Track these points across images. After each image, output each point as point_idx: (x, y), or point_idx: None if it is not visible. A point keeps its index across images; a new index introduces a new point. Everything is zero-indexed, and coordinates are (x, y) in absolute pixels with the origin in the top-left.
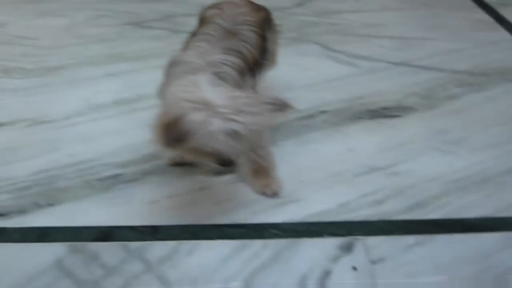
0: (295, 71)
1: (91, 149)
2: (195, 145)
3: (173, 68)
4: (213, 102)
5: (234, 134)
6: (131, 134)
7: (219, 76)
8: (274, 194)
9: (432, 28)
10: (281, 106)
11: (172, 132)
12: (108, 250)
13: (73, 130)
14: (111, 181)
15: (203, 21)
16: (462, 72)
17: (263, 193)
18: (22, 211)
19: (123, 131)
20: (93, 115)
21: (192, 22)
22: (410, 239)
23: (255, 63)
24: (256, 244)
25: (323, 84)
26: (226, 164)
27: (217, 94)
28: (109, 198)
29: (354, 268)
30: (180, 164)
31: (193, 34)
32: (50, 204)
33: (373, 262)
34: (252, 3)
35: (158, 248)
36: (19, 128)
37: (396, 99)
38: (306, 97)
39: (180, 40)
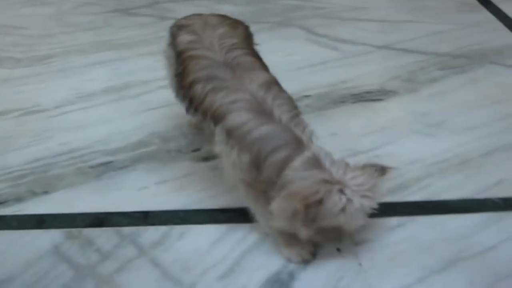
0: (279, 56)
1: (82, 137)
2: (332, 224)
3: (257, 146)
4: (346, 181)
5: (367, 210)
6: (120, 122)
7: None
8: (305, 261)
9: (415, 10)
10: (383, 171)
11: (313, 213)
12: (103, 236)
13: (64, 119)
14: (102, 168)
15: (180, 55)
16: (444, 54)
17: (291, 259)
18: (19, 199)
19: (112, 119)
20: (83, 104)
21: (177, 8)
22: (392, 220)
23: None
24: (244, 228)
25: (307, 69)
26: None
27: (342, 171)
28: (101, 185)
29: (338, 250)
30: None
31: (180, 76)
32: (45, 192)
33: (357, 244)
34: (224, 17)
35: (150, 233)
36: (11, 118)
37: (378, 82)
38: (290, 81)
39: (166, 27)
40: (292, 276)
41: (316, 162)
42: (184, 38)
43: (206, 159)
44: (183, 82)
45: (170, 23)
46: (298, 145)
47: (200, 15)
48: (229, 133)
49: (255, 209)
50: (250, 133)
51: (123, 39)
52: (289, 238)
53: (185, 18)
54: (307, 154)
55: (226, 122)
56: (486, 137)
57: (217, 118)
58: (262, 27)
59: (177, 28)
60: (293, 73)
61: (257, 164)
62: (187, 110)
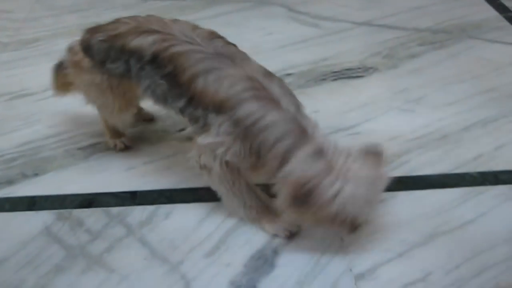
0: (261, 35)
1: (70, 120)
2: (329, 212)
3: (264, 134)
4: (346, 171)
5: (371, 201)
6: None
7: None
8: (291, 234)
9: None
10: (379, 152)
11: (301, 200)
12: (92, 216)
13: (52, 102)
14: (90, 150)
15: (158, 56)
16: (424, 30)
17: (277, 235)
18: (10, 181)
19: None
20: None
21: None
22: None
23: None
24: None
25: (288, 47)
26: (353, 230)
27: (344, 160)
28: (89, 166)
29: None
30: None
31: (171, 76)
32: (36, 174)
33: None
34: (150, 16)
35: (137, 213)
36: (0, 102)
37: (359, 59)
38: (272, 60)
39: (150, 8)
40: (276, 252)
41: (319, 153)
42: (143, 40)
43: (192, 138)
44: (180, 81)
45: (152, 4)
46: (304, 135)
47: (118, 19)
48: (237, 122)
49: (229, 193)
50: (258, 121)
51: (107, 21)
52: (271, 215)
53: (107, 29)
54: (311, 145)
55: (237, 111)
56: (465, 112)
57: (223, 108)
58: (243, 6)
59: (111, 40)
60: (274, 52)
61: (260, 152)
62: (183, 110)
